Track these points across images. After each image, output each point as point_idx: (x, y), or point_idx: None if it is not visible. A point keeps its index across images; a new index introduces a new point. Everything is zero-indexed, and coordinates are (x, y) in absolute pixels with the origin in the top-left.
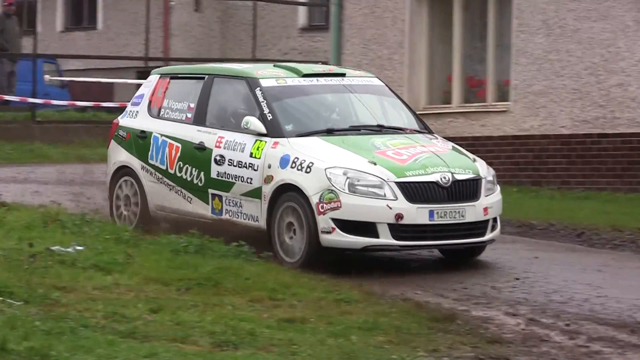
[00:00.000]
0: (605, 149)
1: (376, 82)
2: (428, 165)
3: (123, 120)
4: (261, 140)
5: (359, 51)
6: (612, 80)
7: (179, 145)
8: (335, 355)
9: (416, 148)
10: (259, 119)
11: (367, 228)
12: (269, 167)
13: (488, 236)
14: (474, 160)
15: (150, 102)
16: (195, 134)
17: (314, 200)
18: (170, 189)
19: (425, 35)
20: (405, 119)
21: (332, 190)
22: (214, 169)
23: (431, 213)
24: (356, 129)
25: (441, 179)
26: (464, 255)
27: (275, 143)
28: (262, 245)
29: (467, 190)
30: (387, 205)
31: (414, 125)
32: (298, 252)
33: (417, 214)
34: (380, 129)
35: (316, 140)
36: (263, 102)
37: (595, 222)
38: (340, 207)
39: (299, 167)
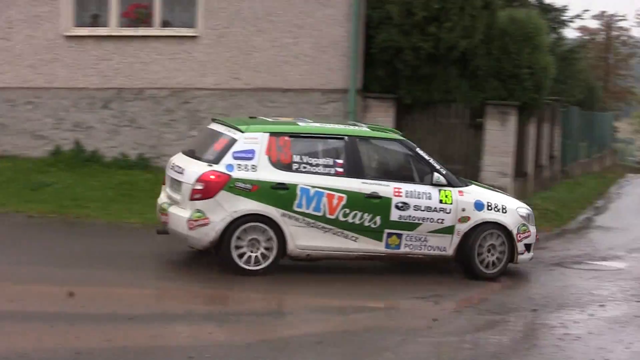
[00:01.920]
0: None
1: None
2: None
3: (237, 174)
4: (445, 190)
5: None
6: None
7: (343, 195)
8: None
9: None
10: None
11: (530, 247)
12: (463, 210)
13: None
14: None
15: (269, 157)
16: (361, 186)
17: (515, 232)
18: (325, 231)
19: None
20: None
21: (524, 224)
22: (395, 213)
23: None
24: None
25: None
26: None
27: (460, 192)
28: None
29: None
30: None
31: None
32: (497, 266)
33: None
34: None
35: (477, 188)
36: (429, 159)
37: None
38: (530, 235)
39: (496, 209)
